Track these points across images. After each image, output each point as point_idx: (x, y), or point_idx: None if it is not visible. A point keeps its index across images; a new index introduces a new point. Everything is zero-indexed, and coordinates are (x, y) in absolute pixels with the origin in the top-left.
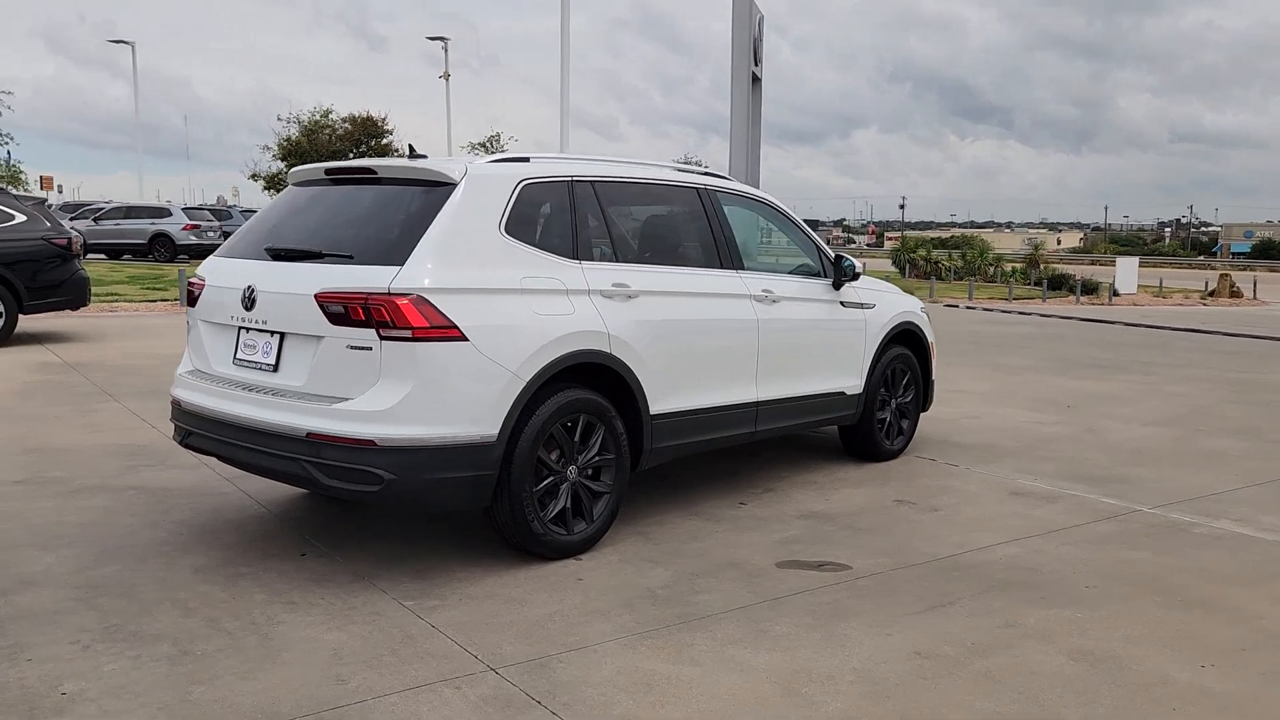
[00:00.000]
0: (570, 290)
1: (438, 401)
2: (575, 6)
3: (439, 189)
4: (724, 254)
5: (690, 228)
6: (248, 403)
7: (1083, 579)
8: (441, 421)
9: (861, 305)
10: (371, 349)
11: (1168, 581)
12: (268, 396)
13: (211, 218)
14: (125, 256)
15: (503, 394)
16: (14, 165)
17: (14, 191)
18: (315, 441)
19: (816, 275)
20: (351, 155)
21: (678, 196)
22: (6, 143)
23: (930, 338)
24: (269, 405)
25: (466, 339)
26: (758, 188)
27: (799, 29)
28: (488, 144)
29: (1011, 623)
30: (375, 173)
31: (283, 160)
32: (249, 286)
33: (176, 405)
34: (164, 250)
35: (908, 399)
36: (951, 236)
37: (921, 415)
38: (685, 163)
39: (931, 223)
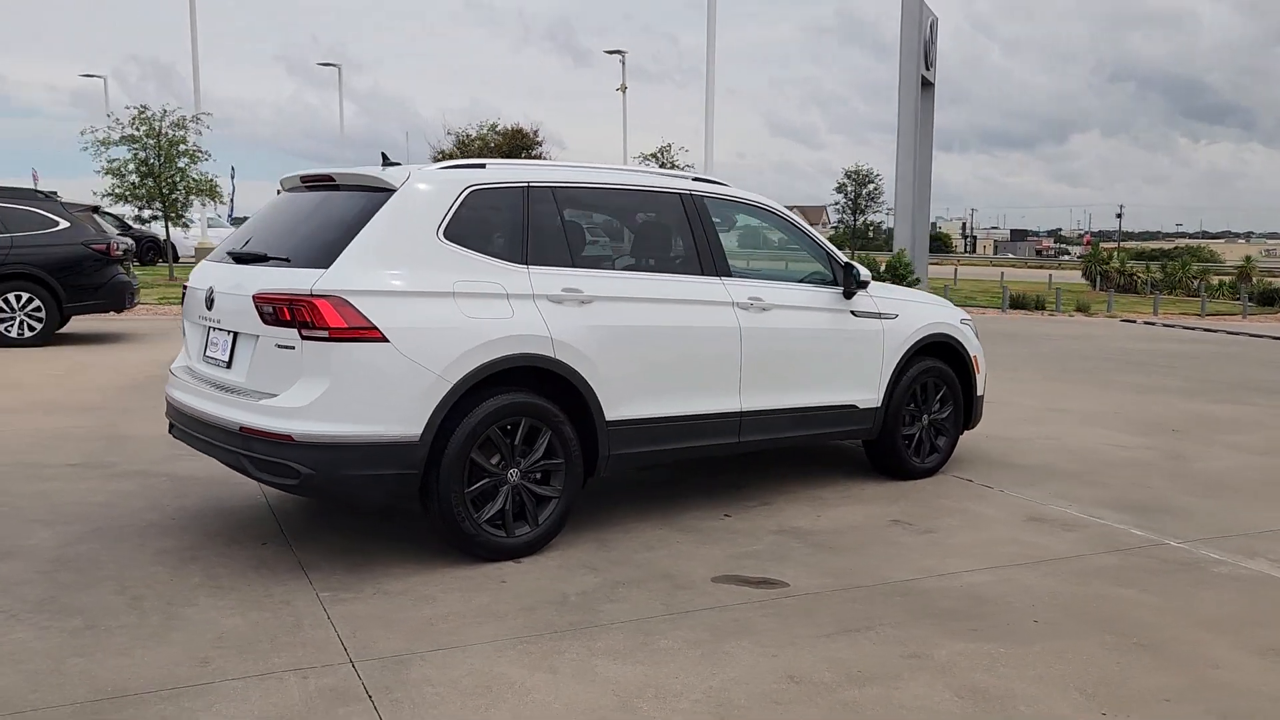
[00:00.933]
0: (512, 294)
1: (356, 400)
2: (778, 16)
3: (380, 195)
4: (706, 260)
5: (667, 233)
6: (207, 397)
7: (1036, 613)
8: (360, 420)
9: (879, 315)
10: (295, 348)
11: (1135, 621)
12: (221, 392)
13: None
14: None
15: (426, 395)
16: (211, 179)
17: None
18: (245, 435)
19: (829, 284)
20: None
21: (657, 202)
22: (205, 159)
23: (972, 351)
24: (220, 400)
25: (387, 340)
26: (928, 193)
27: (1009, 30)
28: (658, 154)
29: (918, 653)
30: (334, 180)
31: None
32: (210, 288)
33: (167, 399)
34: None
35: (943, 415)
36: (1175, 247)
37: (989, 434)
38: (857, 172)
39: (1156, 232)
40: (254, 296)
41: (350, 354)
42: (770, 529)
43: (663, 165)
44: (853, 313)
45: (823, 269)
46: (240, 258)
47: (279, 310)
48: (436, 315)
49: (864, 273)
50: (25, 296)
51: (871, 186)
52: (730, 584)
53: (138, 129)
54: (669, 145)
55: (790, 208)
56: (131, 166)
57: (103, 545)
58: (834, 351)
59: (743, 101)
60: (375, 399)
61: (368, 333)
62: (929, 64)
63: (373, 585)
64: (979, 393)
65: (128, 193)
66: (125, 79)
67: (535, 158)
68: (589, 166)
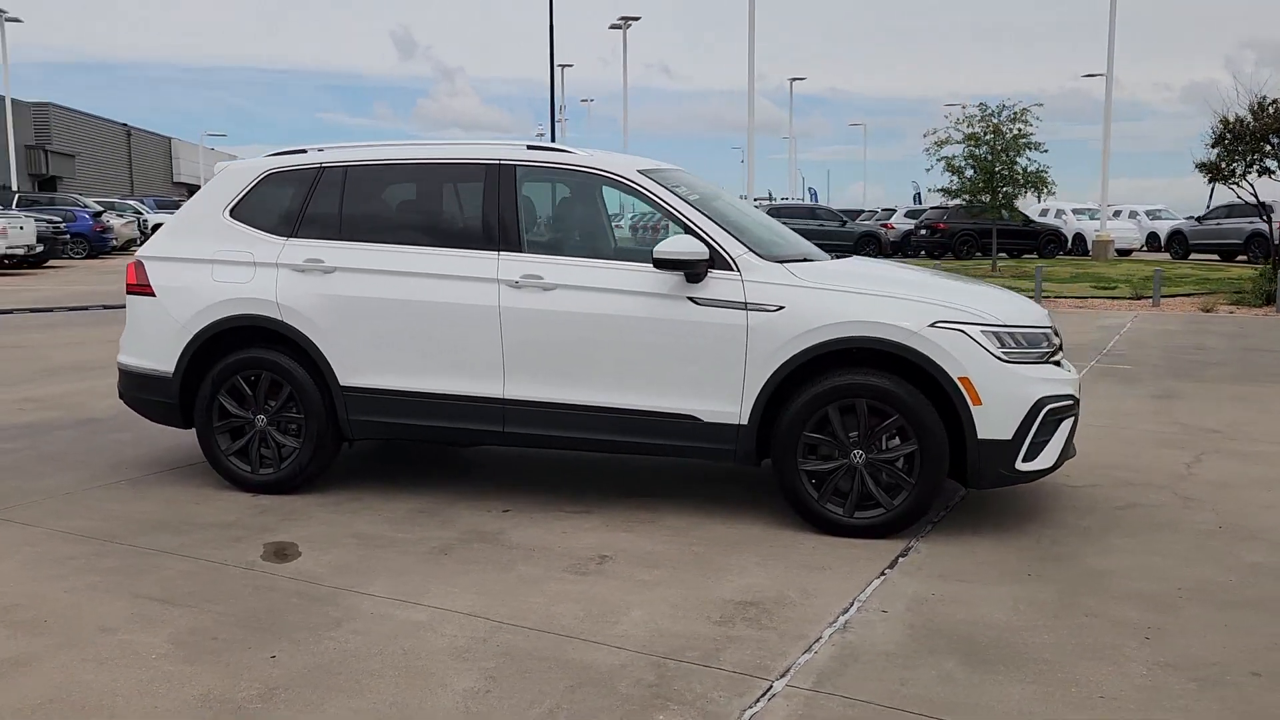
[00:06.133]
0: (258, 263)
1: (138, 340)
2: None
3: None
4: (491, 233)
5: (455, 207)
6: None
7: (383, 662)
8: (139, 355)
9: (744, 305)
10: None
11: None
12: None
13: None
14: (1239, 258)
15: (175, 340)
16: (1041, 170)
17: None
18: None
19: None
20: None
21: (457, 175)
22: (1035, 146)
23: (957, 372)
24: None
25: (155, 295)
26: None
27: None
28: None
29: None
30: None
31: (1213, 146)
32: None
33: None
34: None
35: (895, 457)
36: None
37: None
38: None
39: None
40: None
41: (137, 304)
42: (488, 532)
43: None
44: (692, 299)
45: None
46: None
47: None
48: (191, 278)
49: (687, 250)
50: None
51: None
52: (271, 559)
53: (977, 126)
54: None
55: None
56: (969, 162)
57: (74, 453)
58: (655, 345)
59: None
60: (147, 340)
61: (146, 289)
62: None
63: (168, 487)
64: (986, 435)
65: (965, 187)
66: (1240, 66)
67: None
68: (403, 144)
